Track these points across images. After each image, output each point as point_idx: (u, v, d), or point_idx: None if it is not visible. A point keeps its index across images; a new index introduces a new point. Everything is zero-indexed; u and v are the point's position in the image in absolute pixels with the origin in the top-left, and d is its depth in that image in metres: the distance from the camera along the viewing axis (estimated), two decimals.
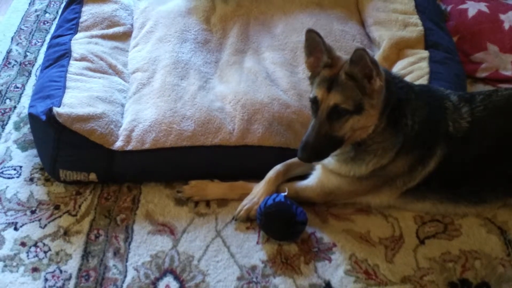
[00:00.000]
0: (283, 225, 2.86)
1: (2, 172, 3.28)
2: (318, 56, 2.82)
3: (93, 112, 3.17)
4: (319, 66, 2.82)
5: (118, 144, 3.16)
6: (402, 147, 2.86)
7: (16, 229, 2.97)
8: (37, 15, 4.69)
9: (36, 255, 2.85)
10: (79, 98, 3.25)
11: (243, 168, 3.18)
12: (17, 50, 4.27)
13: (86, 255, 2.85)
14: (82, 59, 3.58)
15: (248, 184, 3.11)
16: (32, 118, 3.21)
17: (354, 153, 2.87)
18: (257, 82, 3.50)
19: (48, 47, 3.81)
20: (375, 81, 2.67)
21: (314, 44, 2.81)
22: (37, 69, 4.01)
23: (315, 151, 2.77)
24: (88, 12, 3.99)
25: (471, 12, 4.12)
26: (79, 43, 3.72)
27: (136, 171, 3.20)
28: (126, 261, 2.82)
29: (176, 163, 3.20)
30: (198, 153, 3.19)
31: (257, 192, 3.01)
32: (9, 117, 3.65)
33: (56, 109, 3.09)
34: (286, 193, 2.93)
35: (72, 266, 2.80)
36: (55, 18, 4.61)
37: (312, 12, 4.11)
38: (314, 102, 2.78)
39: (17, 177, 3.26)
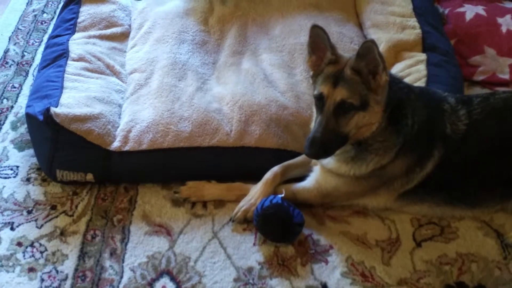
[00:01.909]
0: (280, 226, 2.86)
1: None
2: (321, 54, 2.82)
3: (91, 112, 3.17)
4: (322, 64, 2.82)
5: (115, 145, 3.16)
6: (401, 147, 2.86)
7: (12, 229, 2.97)
8: (35, 15, 4.68)
9: (33, 255, 2.84)
10: (76, 98, 3.25)
11: (240, 170, 3.18)
12: (14, 50, 4.26)
13: (82, 255, 2.85)
14: (80, 59, 3.58)
15: (245, 186, 3.11)
16: (29, 118, 3.21)
17: (354, 153, 2.88)
18: (255, 84, 3.50)
19: (46, 47, 3.82)
20: (380, 76, 2.69)
21: (318, 41, 2.81)
22: (35, 69, 4.01)
23: (323, 147, 2.76)
24: (86, 12, 3.99)
25: (469, 15, 4.13)
26: (77, 43, 3.72)
27: (133, 172, 3.19)
28: (123, 262, 2.82)
29: (173, 164, 3.19)
30: (195, 154, 3.19)
31: (254, 194, 3.00)
32: (6, 117, 3.64)
33: (53, 109, 3.09)
34: (283, 195, 2.93)
35: (68, 266, 2.80)
36: (53, 18, 4.61)
37: (310, 14, 4.11)
38: (320, 98, 2.78)
39: (14, 177, 3.25)
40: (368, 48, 2.63)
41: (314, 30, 2.81)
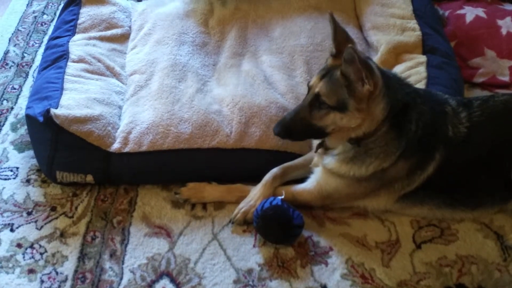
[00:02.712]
0: (280, 228, 2.86)
1: None
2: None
3: (91, 113, 3.17)
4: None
5: (115, 146, 3.16)
6: (404, 151, 2.85)
7: (12, 230, 2.97)
8: (35, 17, 4.68)
9: (32, 257, 2.84)
10: (76, 99, 3.25)
11: (240, 171, 3.18)
12: (14, 51, 4.26)
13: (82, 257, 2.85)
14: (80, 60, 3.57)
15: (245, 187, 3.10)
16: (29, 119, 3.21)
17: (353, 154, 2.87)
18: (255, 85, 3.50)
19: (46, 49, 3.81)
20: (364, 84, 2.65)
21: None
22: (35, 70, 4.01)
23: (287, 129, 2.85)
24: (86, 13, 3.99)
25: (469, 18, 4.13)
26: (77, 45, 3.71)
27: (133, 173, 3.19)
28: (123, 263, 2.82)
29: (173, 166, 3.19)
30: (195, 155, 3.19)
31: (254, 195, 3.00)
32: (6, 118, 3.64)
33: (53, 111, 3.09)
34: (283, 196, 2.93)
35: (68, 268, 2.80)
36: (53, 19, 4.61)
37: (310, 16, 4.11)
38: (308, 86, 2.85)
39: (14, 178, 3.25)
40: (350, 55, 2.58)
41: (330, 18, 2.82)
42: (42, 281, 2.74)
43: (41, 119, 3.10)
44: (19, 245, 2.90)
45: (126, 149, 3.15)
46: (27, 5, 4.82)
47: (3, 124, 3.60)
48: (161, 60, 3.65)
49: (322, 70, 2.81)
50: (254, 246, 2.92)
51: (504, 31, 4.01)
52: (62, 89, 3.32)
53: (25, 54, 4.24)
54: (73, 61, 3.56)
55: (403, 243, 2.95)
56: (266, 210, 2.86)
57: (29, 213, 3.05)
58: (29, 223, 3.01)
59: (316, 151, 3.02)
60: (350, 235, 2.97)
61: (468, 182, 2.95)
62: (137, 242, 2.92)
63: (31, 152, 3.35)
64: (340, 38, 2.81)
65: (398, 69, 3.63)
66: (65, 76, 3.42)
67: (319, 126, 2.79)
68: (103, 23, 3.96)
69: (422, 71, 3.55)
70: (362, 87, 2.66)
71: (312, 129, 2.81)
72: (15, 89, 3.89)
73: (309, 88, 2.83)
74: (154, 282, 2.75)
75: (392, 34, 3.88)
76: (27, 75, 4.03)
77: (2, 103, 3.76)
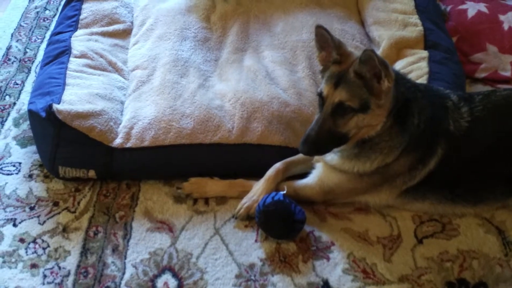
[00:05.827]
0: (282, 223, 2.86)
1: (1, 168, 3.28)
2: (330, 50, 2.83)
3: (93, 109, 3.17)
4: (331, 60, 2.83)
5: (118, 141, 3.16)
6: (406, 146, 2.86)
7: (15, 225, 2.98)
8: (37, 12, 4.69)
9: (35, 252, 2.85)
10: (78, 95, 3.26)
11: (242, 166, 3.19)
12: (17, 47, 4.27)
13: (84, 251, 2.85)
14: (82, 56, 3.58)
15: (248, 182, 3.11)
16: (32, 114, 3.21)
17: (358, 150, 2.88)
18: (257, 81, 3.50)
19: (48, 44, 3.82)
20: (383, 82, 2.67)
21: (324, 40, 2.82)
22: (37, 65, 4.02)
23: (316, 145, 2.79)
24: (88, 9, 4.00)
25: (471, 13, 4.13)
26: (79, 40, 3.72)
27: (135, 169, 3.20)
28: (125, 258, 2.83)
29: (175, 161, 3.20)
30: (197, 151, 3.20)
31: (257, 190, 3.01)
32: (8, 114, 3.65)
33: (55, 106, 3.09)
34: (285, 192, 2.93)
35: (70, 262, 2.81)
36: (55, 15, 4.61)
37: (312, 11, 4.12)
38: (320, 96, 2.79)
39: (16, 173, 3.26)
40: (368, 56, 2.62)
41: (318, 31, 2.82)
42: (44, 276, 2.75)
43: (43, 114, 3.11)
44: (21, 240, 2.91)
45: (128, 145, 3.16)
46: (29, 0, 4.83)
47: (6, 120, 3.61)
48: (163, 56, 3.65)
49: (330, 78, 2.77)
50: (256, 241, 2.92)
51: (506, 26, 4.00)
52: (64, 84, 3.33)
53: (28, 50, 4.25)
54: (75, 57, 3.57)
55: (405, 238, 2.95)
56: (268, 205, 2.86)
57: (31, 208, 3.06)
58: (32, 218, 3.01)
59: None
60: (352, 230, 2.98)
61: (469, 177, 2.96)
62: (139, 237, 2.93)
63: (33, 148, 3.36)
64: (338, 44, 2.81)
65: (399, 64, 3.64)
66: (67, 72, 3.43)
67: (344, 132, 2.77)
68: (105, 18, 3.97)
69: (423, 66, 3.56)
70: (378, 83, 2.68)
71: (337, 137, 2.79)
72: (17, 84, 3.90)
73: (323, 98, 2.79)
74: (156, 277, 2.76)
75: (394, 29, 3.89)
76: (29, 70, 4.04)
77: (4, 99, 3.77)
